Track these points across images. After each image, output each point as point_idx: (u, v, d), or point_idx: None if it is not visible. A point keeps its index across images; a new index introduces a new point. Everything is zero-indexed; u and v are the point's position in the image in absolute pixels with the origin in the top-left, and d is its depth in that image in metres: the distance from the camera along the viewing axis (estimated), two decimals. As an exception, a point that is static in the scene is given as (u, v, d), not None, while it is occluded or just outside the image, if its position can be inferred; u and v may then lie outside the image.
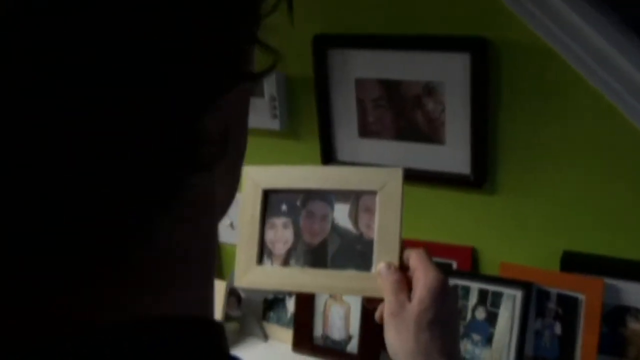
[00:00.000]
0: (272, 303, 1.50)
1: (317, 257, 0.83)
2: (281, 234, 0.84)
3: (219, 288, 1.46)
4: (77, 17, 0.28)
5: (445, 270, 1.29)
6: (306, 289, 0.85)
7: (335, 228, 0.82)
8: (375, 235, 0.79)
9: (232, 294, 1.49)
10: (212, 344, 0.37)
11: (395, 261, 0.76)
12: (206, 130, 0.34)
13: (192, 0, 0.31)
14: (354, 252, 0.81)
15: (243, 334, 1.51)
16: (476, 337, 1.27)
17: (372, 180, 0.80)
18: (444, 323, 0.70)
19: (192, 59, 0.32)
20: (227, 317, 1.49)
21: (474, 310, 1.28)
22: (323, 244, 0.83)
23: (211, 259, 0.39)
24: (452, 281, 1.29)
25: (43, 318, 0.32)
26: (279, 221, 0.84)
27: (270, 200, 0.83)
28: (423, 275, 0.71)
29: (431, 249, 1.33)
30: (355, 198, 0.81)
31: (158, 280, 0.35)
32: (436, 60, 1.22)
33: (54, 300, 0.32)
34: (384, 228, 0.80)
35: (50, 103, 0.28)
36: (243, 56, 0.36)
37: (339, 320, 1.39)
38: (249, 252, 0.84)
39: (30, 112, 0.28)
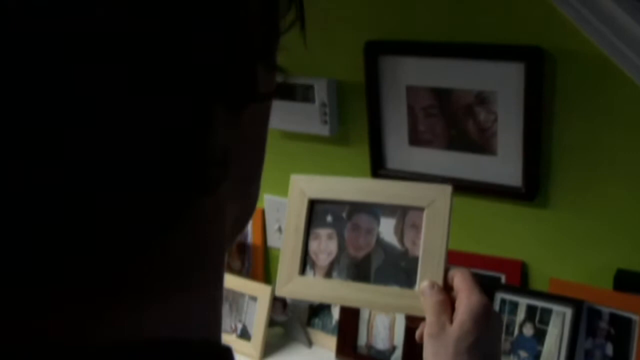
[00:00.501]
0: (317, 309, 1.50)
1: (360, 270, 0.82)
2: (325, 245, 0.84)
3: (265, 293, 1.46)
4: (79, 17, 0.27)
5: (493, 284, 1.27)
6: (347, 302, 0.84)
7: (380, 242, 0.81)
8: (421, 253, 0.78)
9: (278, 299, 1.49)
10: None
11: (440, 280, 0.75)
12: (211, 150, 0.33)
13: (204, 13, 0.31)
14: (398, 268, 0.80)
15: (287, 339, 1.51)
16: (523, 354, 1.24)
17: (420, 196, 0.79)
18: (484, 348, 0.68)
19: (198, 75, 0.31)
20: (272, 321, 1.49)
21: (521, 326, 1.24)
22: (367, 258, 0.82)
23: (217, 280, 0.38)
24: (500, 295, 1.26)
25: (37, 339, 0.30)
26: (323, 232, 0.84)
27: (315, 210, 0.83)
28: (466, 298, 0.69)
29: (480, 262, 1.31)
30: (402, 213, 0.80)
31: (157, 300, 0.34)
32: (489, 69, 1.20)
33: (49, 320, 0.30)
34: (430, 246, 0.78)
35: (54, 112, 0.27)
36: (253, 76, 0.35)
37: (384, 330, 1.37)
38: (292, 261, 0.83)
39: (26, 122, 0.27)
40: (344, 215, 0.83)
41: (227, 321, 1.50)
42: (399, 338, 1.36)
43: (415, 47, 1.27)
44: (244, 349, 1.46)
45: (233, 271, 1.63)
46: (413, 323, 0.75)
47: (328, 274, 0.84)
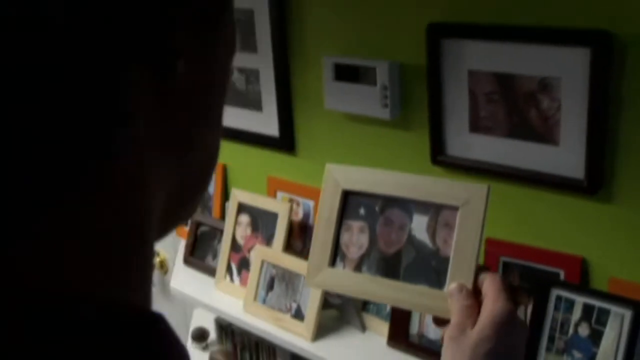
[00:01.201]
0: (373, 294, 1.48)
1: (390, 266, 0.81)
2: (356, 238, 0.83)
3: (320, 274, 1.46)
4: None
5: (549, 280, 1.21)
6: (375, 298, 0.84)
7: (411, 239, 0.80)
8: (452, 253, 0.76)
9: (334, 281, 1.48)
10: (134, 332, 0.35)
11: (469, 283, 0.73)
12: (115, 112, 0.33)
13: None
14: (428, 267, 0.79)
15: (341, 323, 1.50)
16: (577, 354, 1.18)
17: (455, 195, 0.76)
18: (503, 357, 0.66)
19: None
20: (327, 304, 1.49)
21: (577, 325, 1.18)
22: (397, 254, 0.81)
23: (139, 246, 0.38)
24: (556, 292, 1.20)
25: None
26: (355, 224, 0.83)
27: (349, 201, 0.82)
28: (491, 304, 0.68)
29: (537, 256, 1.26)
30: (436, 211, 0.78)
31: (74, 260, 0.34)
32: (554, 54, 1.14)
33: None
34: (462, 247, 0.76)
35: None
36: (168, 39, 0.35)
37: (436, 319, 1.34)
38: (323, 252, 0.83)
39: None
40: (377, 208, 0.82)
41: (282, 301, 1.52)
42: (450, 329, 1.32)
43: (479, 30, 1.22)
44: (297, 329, 1.48)
45: (294, 252, 1.64)
46: (440, 324, 0.75)
47: (358, 268, 0.83)
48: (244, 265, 1.64)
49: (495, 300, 0.68)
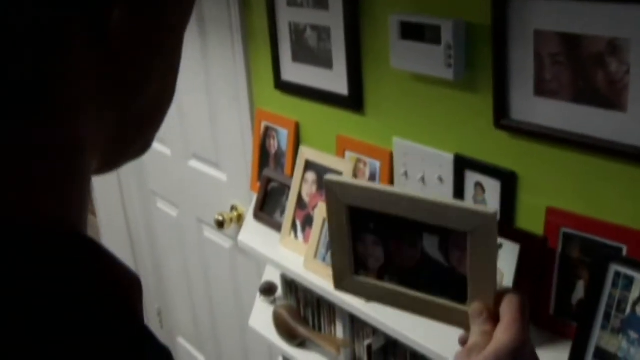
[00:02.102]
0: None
1: (411, 278, 0.81)
2: (372, 251, 0.82)
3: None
4: None
5: (609, 255, 1.15)
6: (401, 307, 0.84)
7: (425, 256, 0.79)
8: (469, 274, 0.76)
9: (393, 243, 1.47)
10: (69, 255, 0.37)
11: (490, 302, 0.74)
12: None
13: None
14: (448, 282, 0.78)
15: (398, 285, 1.49)
16: (634, 334, 1.12)
17: (463, 221, 0.74)
18: None
19: None
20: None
21: (635, 304, 1.12)
22: (416, 268, 0.80)
23: (73, 169, 0.40)
24: (615, 268, 1.14)
25: None
26: (369, 238, 0.82)
27: (356, 215, 0.81)
28: (501, 333, 0.69)
29: (599, 229, 1.20)
30: (445, 234, 0.76)
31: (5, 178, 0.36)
32: (624, 14, 1.06)
33: None
34: (478, 270, 0.75)
35: None
36: None
37: (490, 288, 1.31)
38: (344, 260, 0.83)
39: None
40: (385, 226, 0.81)
41: (341, 259, 1.52)
42: (504, 299, 1.28)
43: (547, -13, 1.15)
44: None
45: (360, 212, 1.63)
46: (464, 344, 0.75)
47: (380, 277, 0.83)
48: (308, 222, 1.65)
49: (506, 329, 0.68)
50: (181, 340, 2.96)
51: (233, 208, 2.24)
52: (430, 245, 0.79)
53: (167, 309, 3.01)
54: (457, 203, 0.81)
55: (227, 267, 2.39)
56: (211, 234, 2.44)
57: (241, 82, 1.98)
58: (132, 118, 0.43)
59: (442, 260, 0.79)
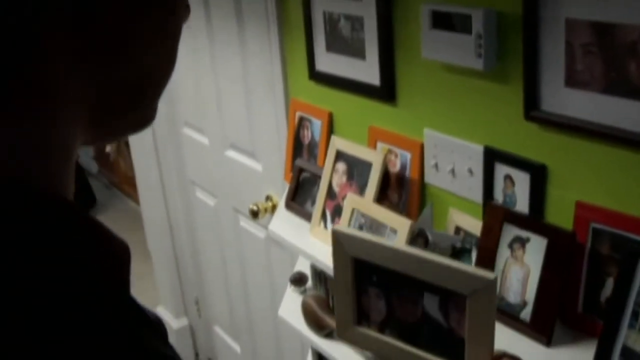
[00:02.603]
0: (459, 252, 1.44)
1: (412, 334, 0.81)
2: (374, 303, 0.83)
3: (404, 227, 1.44)
4: None
5: (638, 251, 1.12)
6: None
7: (426, 314, 0.79)
8: (466, 336, 0.75)
9: (420, 235, 1.46)
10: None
11: None
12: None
13: None
14: (446, 342, 0.78)
15: (425, 277, 1.47)
16: (662, 334, 1.08)
17: (463, 283, 0.75)
18: None
19: None
20: (413, 257, 1.47)
21: (664, 302, 1.08)
22: (416, 325, 0.80)
23: (57, 139, 0.41)
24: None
25: None
26: (371, 290, 0.83)
27: (360, 267, 0.81)
28: None
29: (632, 225, 1.16)
30: (445, 294, 0.76)
31: None
32: (658, 1, 1.02)
33: None
34: (475, 333, 0.75)
35: None
36: None
37: (517, 282, 1.28)
38: (347, 311, 0.84)
39: None
40: (388, 280, 0.81)
41: (368, 250, 1.51)
42: (530, 293, 1.26)
43: (579, -25, 1.12)
44: (379, 279, 1.47)
45: (390, 203, 1.62)
46: None
47: (381, 330, 0.83)
48: (337, 212, 1.65)
49: None
50: (217, 330, 3.00)
51: (268, 198, 2.25)
52: (431, 304, 0.80)
53: (204, 298, 3.04)
54: (459, 265, 0.82)
55: (262, 256, 2.41)
56: (247, 223, 2.45)
57: (276, 72, 1.99)
58: (116, 88, 0.44)
59: (441, 320, 0.79)
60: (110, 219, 4.74)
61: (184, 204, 2.94)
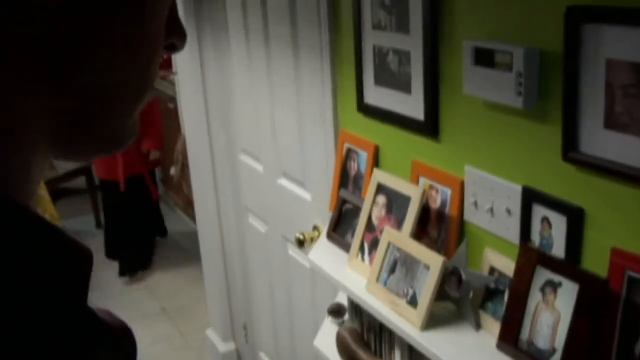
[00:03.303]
0: (492, 293, 1.41)
1: None
2: None
3: (438, 263, 1.42)
4: None
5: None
6: None
7: None
8: None
9: (454, 273, 1.43)
10: None
11: None
12: None
13: None
14: None
15: (457, 317, 1.44)
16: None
17: None
18: None
19: None
20: (446, 295, 1.44)
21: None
22: None
23: (17, 151, 0.42)
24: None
25: None
26: None
27: None
28: None
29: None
30: None
31: None
32: (699, 44, 0.99)
33: None
34: None
35: None
36: None
37: (547, 328, 1.24)
38: None
39: None
40: None
41: (401, 285, 1.50)
42: (560, 340, 1.21)
43: (621, 14, 1.10)
44: (409, 315, 1.45)
45: (429, 239, 1.60)
46: None
47: None
48: (375, 245, 1.64)
49: None
50: (262, 356, 3.00)
51: (315, 227, 2.26)
52: None
53: (252, 324, 3.06)
54: None
55: (308, 285, 2.41)
56: (294, 252, 2.46)
57: (327, 103, 2.01)
58: (80, 102, 0.45)
59: None
60: (171, 240, 4.84)
61: (238, 229, 2.98)
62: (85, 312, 0.43)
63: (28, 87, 0.41)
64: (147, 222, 4.56)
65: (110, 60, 0.45)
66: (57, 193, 4.96)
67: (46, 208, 3.95)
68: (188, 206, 4.78)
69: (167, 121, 4.56)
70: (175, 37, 0.53)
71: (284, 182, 2.45)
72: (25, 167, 0.43)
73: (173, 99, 3.93)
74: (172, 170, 3.98)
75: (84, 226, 5.15)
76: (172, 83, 4.04)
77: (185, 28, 0.55)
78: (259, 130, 2.56)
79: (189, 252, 4.59)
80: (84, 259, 0.43)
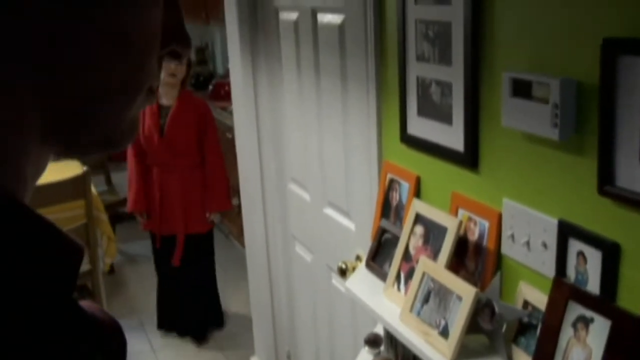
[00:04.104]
0: (526, 327, 1.38)
1: None
2: None
3: (470, 295, 1.40)
4: None
5: None
6: None
7: None
8: None
9: (487, 305, 1.41)
10: None
11: None
12: None
13: None
14: None
15: (489, 350, 1.42)
16: None
17: None
18: None
19: None
20: (478, 328, 1.42)
21: None
22: None
23: (13, 145, 0.44)
24: None
25: None
26: None
27: None
28: None
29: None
30: None
31: None
32: None
33: None
34: None
35: None
36: None
37: (578, 365, 1.21)
38: None
39: None
40: None
41: (434, 315, 1.48)
42: (591, 378, 1.18)
43: (657, 47, 1.09)
44: (440, 346, 1.43)
45: (466, 271, 1.59)
46: None
47: None
48: (411, 275, 1.63)
49: None
50: (305, 386, 2.99)
51: (357, 257, 2.26)
52: None
53: (296, 353, 3.06)
54: None
55: (350, 316, 2.40)
56: (337, 281, 2.46)
57: (372, 133, 2.02)
58: (67, 100, 0.45)
59: None
60: (222, 268, 4.90)
61: (285, 257, 3.00)
62: (71, 307, 0.43)
63: (10, 85, 0.42)
64: (201, 302, 4.05)
65: (94, 61, 0.45)
66: (117, 217, 5.10)
67: (104, 230, 4.07)
68: (241, 234, 4.84)
69: (225, 151, 4.65)
70: (177, 44, 0.53)
71: (329, 211, 2.47)
72: (17, 161, 0.44)
73: (231, 129, 4.01)
74: (234, 201, 4.05)
75: (141, 250, 5.27)
76: (231, 113, 4.14)
77: (189, 35, 0.54)
78: (307, 160, 2.59)
79: (238, 279, 4.63)
80: (73, 253, 0.43)
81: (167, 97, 3.65)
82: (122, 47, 0.46)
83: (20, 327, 0.39)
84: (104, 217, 4.05)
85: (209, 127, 3.79)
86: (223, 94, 5.44)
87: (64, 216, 3.76)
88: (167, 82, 3.58)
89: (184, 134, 3.70)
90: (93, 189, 3.86)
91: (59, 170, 3.66)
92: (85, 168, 3.72)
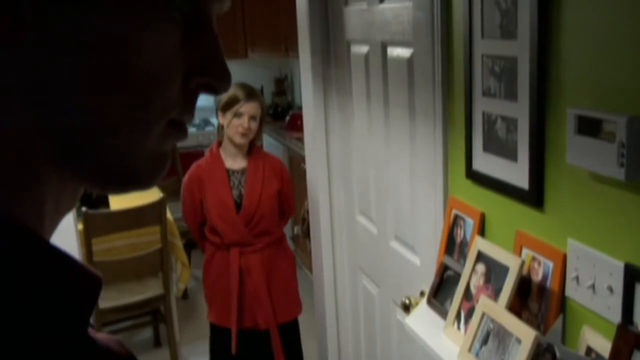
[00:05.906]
0: (589, 375, 1.32)
1: None
2: None
3: (529, 338, 1.35)
4: None
5: None
6: None
7: None
8: None
9: (548, 350, 1.36)
10: None
11: None
12: None
13: None
14: None
15: (549, 397, 1.36)
16: None
17: None
18: None
19: None
20: (539, 373, 1.37)
21: None
22: None
23: (23, 171, 0.44)
24: None
25: None
26: None
27: None
28: None
29: None
30: None
31: None
32: None
33: None
34: None
35: None
36: None
37: (642, 419, 1.14)
38: None
39: None
40: None
41: (492, 357, 1.44)
42: None
43: None
44: (498, 390, 1.38)
45: (529, 312, 1.54)
46: None
47: None
48: (471, 314, 1.59)
49: None
50: (368, 422, 2.95)
51: (422, 293, 2.22)
52: None
53: (360, 388, 3.02)
54: None
55: (416, 353, 2.36)
56: (402, 317, 2.43)
57: (438, 168, 2.00)
58: (66, 131, 0.44)
59: None
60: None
61: (351, 290, 2.99)
62: (82, 340, 0.43)
63: (5, 114, 0.43)
64: None
65: (88, 93, 0.44)
66: (193, 244, 5.20)
67: (179, 256, 4.17)
68: (311, 263, 4.85)
69: (298, 180, 4.70)
70: (211, 77, 0.50)
71: (395, 245, 2.45)
72: (31, 192, 0.44)
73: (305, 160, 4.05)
74: (296, 230, 4.06)
75: (215, 277, 5.34)
76: (305, 144, 4.18)
77: (229, 70, 0.50)
78: (375, 192, 2.58)
79: (307, 308, 4.62)
80: (90, 284, 0.43)
81: (234, 158, 3.08)
82: (117, 79, 0.44)
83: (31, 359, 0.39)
84: (179, 243, 4.14)
85: (288, 190, 3.24)
86: (299, 124, 5.51)
87: (140, 241, 3.88)
88: (237, 144, 3.02)
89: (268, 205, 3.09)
90: (169, 215, 3.96)
91: (140, 197, 3.79)
92: (162, 195, 3.82)
